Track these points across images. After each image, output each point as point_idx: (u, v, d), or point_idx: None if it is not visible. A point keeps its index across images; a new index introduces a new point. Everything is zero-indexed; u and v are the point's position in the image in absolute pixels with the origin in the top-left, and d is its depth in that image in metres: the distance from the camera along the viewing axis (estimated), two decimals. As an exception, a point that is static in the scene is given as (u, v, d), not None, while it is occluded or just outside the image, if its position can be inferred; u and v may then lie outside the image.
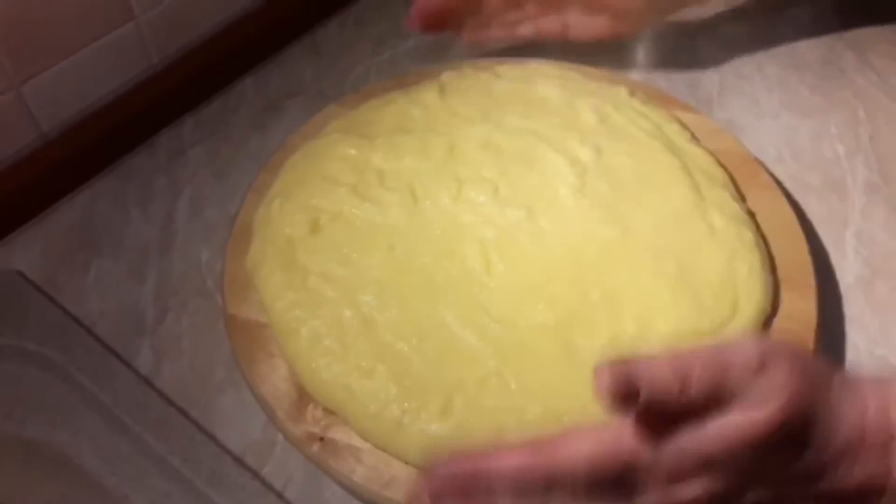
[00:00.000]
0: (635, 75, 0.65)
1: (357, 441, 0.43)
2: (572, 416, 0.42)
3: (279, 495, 0.44)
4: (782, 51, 0.68)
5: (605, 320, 0.45)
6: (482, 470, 0.33)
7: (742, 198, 0.53)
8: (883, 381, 0.34)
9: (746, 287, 0.47)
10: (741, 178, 0.54)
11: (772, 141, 0.61)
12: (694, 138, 0.55)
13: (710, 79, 0.66)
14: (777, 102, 0.64)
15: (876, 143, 0.61)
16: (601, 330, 0.45)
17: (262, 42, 0.68)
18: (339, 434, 0.44)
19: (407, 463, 0.42)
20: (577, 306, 0.46)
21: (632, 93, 0.57)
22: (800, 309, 0.47)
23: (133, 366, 0.49)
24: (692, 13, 0.69)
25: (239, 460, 0.45)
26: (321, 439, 0.44)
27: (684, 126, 0.56)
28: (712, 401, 0.31)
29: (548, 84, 0.57)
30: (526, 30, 0.61)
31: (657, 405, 0.31)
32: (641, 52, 0.68)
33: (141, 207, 0.58)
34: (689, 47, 0.69)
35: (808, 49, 0.68)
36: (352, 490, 0.43)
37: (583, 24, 0.60)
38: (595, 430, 0.33)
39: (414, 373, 0.44)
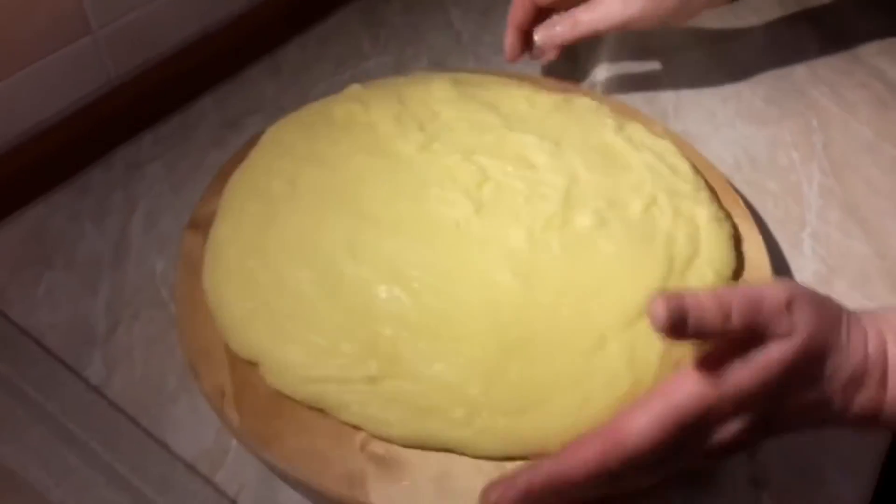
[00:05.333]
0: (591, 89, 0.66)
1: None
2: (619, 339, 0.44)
3: (232, 501, 0.42)
4: (736, 65, 0.69)
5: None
6: (558, 476, 0.35)
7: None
8: (878, 317, 0.38)
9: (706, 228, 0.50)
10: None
11: (729, 150, 0.62)
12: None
13: (666, 93, 0.67)
14: (733, 113, 0.65)
15: (829, 150, 0.62)
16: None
17: (222, 61, 0.68)
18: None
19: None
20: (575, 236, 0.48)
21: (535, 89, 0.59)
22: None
23: (83, 376, 0.48)
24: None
25: (191, 467, 0.44)
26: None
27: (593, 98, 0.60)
28: (748, 335, 0.34)
29: (441, 86, 0.58)
30: (583, 27, 0.61)
31: (702, 334, 0.34)
32: (598, 68, 0.69)
33: (95, 222, 0.57)
34: (645, 63, 0.70)
35: (762, 63, 0.69)
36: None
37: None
38: (644, 402, 0.35)
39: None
